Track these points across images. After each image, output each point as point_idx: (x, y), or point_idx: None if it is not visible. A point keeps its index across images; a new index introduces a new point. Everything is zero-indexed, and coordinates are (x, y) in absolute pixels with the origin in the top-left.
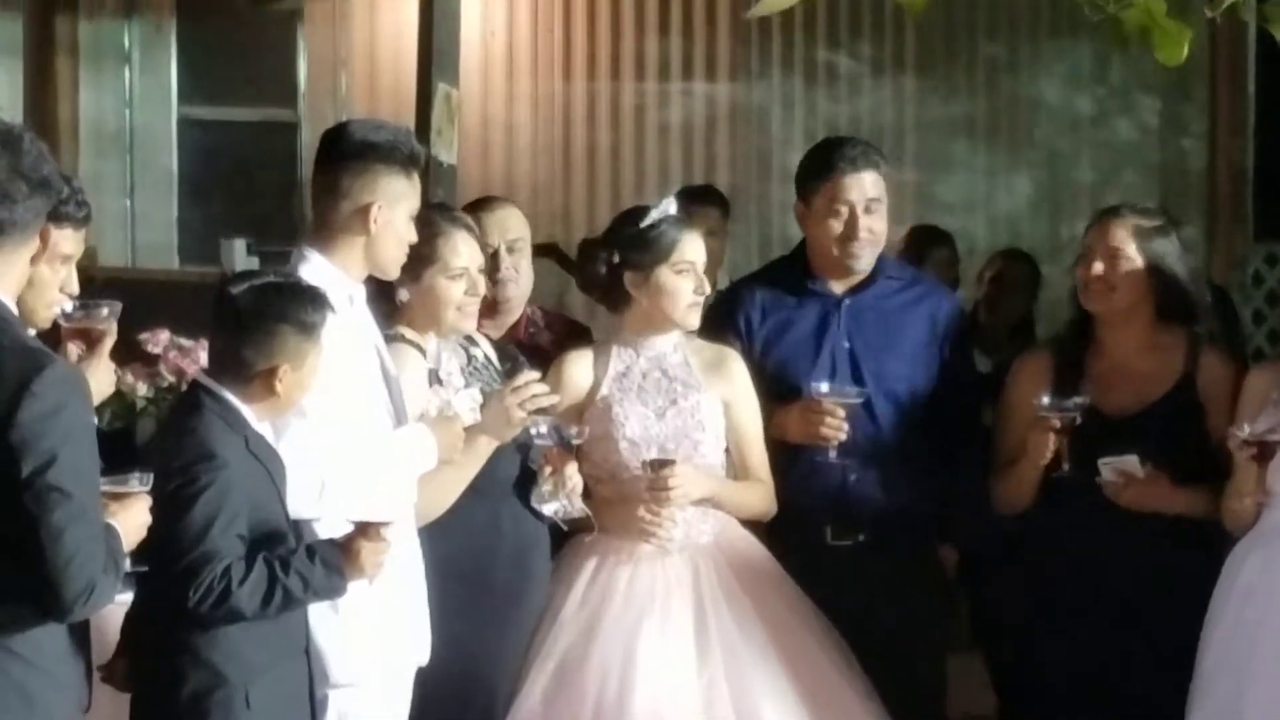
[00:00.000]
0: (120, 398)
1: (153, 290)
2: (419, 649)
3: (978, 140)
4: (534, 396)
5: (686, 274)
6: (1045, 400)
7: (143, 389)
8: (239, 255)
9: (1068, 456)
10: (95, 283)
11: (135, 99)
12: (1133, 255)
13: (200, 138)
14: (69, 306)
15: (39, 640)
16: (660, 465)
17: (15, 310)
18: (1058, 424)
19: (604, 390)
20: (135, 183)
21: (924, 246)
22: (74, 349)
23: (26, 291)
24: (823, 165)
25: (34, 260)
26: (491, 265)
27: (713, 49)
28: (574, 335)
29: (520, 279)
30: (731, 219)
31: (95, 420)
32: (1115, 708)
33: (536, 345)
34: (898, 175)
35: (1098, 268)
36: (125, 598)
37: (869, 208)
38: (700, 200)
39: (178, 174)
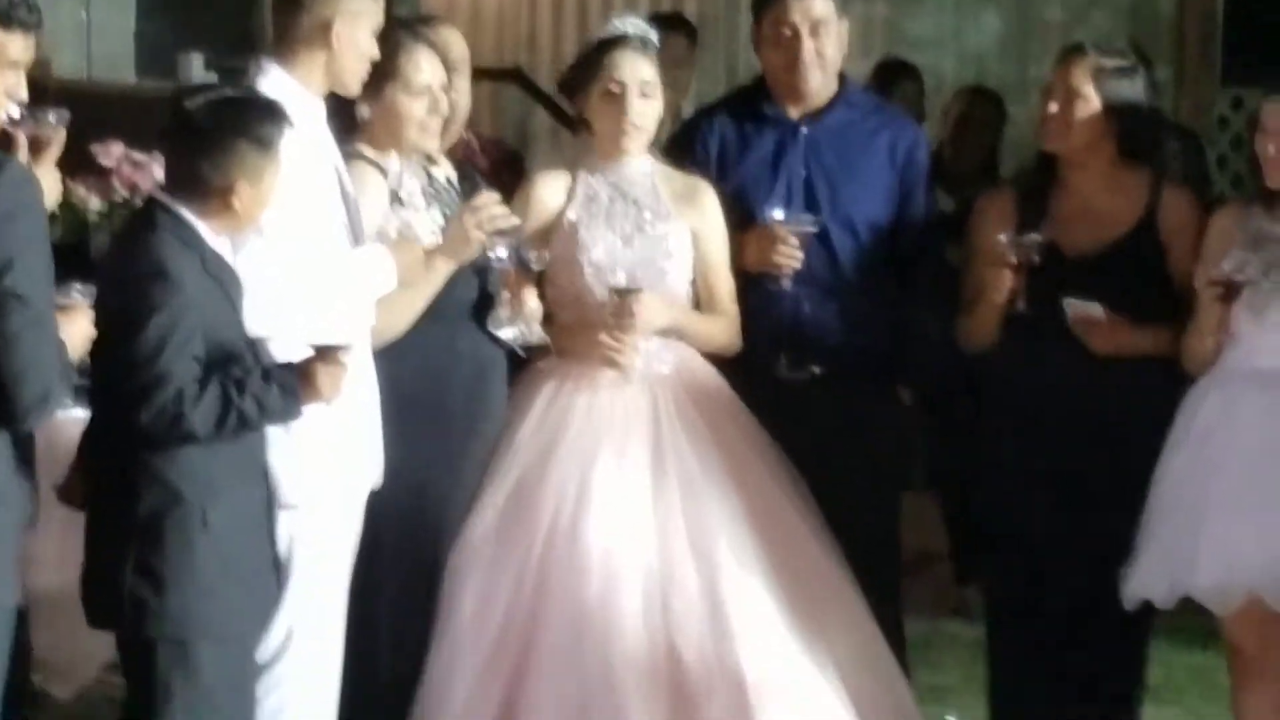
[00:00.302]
0: (71, 210)
1: (108, 103)
2: (372, 472)
3: None
4: (493, 217)
5: (617, 96)
6: (1003, 237)
7: (95, 202)
8: (196, 69)
9: (1024, 294)
10: (49, 94)
11: None
12: (1090, 95)
13: None
14: (16, 113)
15: None
16: (626, 293)
17: None
18: (1014, 260)
19: (571, 214)
20: None
21: (890, 80)
22: (23, 156)
23: None
24: None
25: None
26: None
27: None
28: (509, 161)
29: (459, 101)
30: (700, 48)
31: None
32: (1066, 546)
33: (472, 170)
34: (867, 8)
35: (1053, 107)
36: (78, 414)
37: (814, 30)
38: (667, 28)
39: None
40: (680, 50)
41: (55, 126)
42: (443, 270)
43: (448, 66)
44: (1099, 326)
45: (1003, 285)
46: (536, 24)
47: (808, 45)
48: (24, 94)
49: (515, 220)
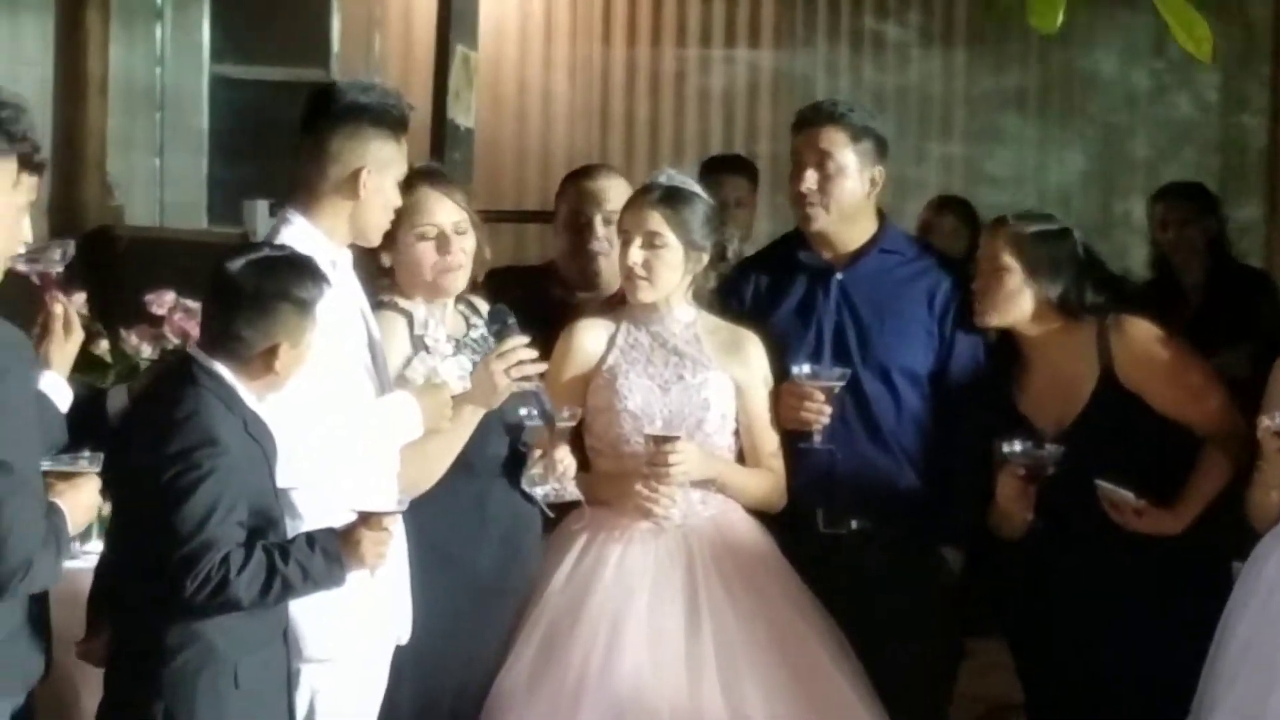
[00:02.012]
0: (125, 359)
1: (180, 250)
2: (398, 627)
3: (1029, 113)
4: (520, 364)
5: (623, 244)
6: (1017, 446)
7: (146, 350)
8: (261, 216)
9: (1031, 506)
10: (121, 242)
11: (167, 56)
12: (1010, 265)
13: (232, 96)
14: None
15: None
16: (663, 440)
17: None
18: (1022, 472)
19: (610, 361)
20: (165, 141)
21: (934, 215)
22: (58, 306)
23: None
24: (794, 123)
25: None
26: (585, 235)
27: (757, 14)
28: None
29: (614, 253)
30: (775, 190)
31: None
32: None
33: (506, 312)
34: (944, 147)
35: (980, 285)
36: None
37: (820, 162)
38: (727, 169)
39: (208, 133)
40: (741, 192)
41: (60, 261)
42: (470, 417)
43: (604, 216)
44: (1133, 514)
45: (1013, 494)
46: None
47: (809, 175)
48: (29, 234)
49: (543, 366)
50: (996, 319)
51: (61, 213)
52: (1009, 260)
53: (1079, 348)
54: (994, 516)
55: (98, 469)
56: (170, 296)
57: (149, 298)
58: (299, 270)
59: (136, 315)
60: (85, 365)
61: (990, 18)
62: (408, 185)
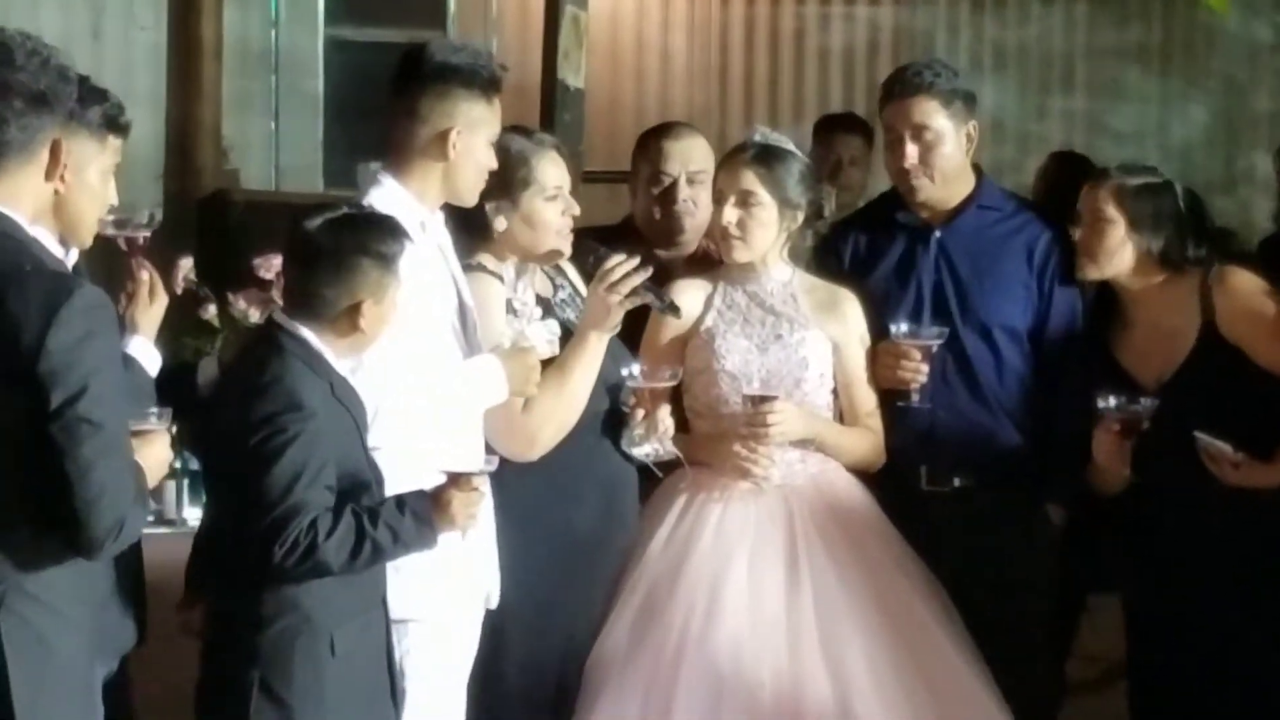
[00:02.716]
0: (233, 323)
1: (295, 214)
2: (486, 592)
3: (1151, 68)
4: (625, 276)
5: (717, 204)
6: (1111, 401)
7: (254, 315)
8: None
9: (1127, 461)
10: (236, 206)
11: (281, 19)
12: (1114, 217)
13: (347, 59)
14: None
15: (52, 580)
16: (760, 400)
17: (45, 233)
18: (1117, 427)
19: (708, 322)
20: (280, 104)
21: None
22: (144, 271)
23: (70, 208)
24: (882, 94)
25: (49, 177)
26: (670, 194)
27: None
28: None
29: (698, 212)
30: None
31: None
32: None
33: (592, 245)
34: (1067, 101)
35: (1082, 238)
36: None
37: (917, 134)
38: (842, 128)
39: (324, 96)
40: (855, 150)
41: (147, 226)
42: (595, 344)
43: (688, 175)
44: (1230, 467)
45: (1109, 450)
46: (727, 126)
47: (910, 150)
48: (114, 198)
49: (648, 270)
50: (1097, 272)
51: (176, 177)
52: (1112, 213)
53: (1180, 301)
54: (1093, 473)
55: (167, 424)
56: (279, 261)
57: (257, 261)
58: (378, 226)
59: (249, 280)
60: (194, 329)
61: None
62: (533, 148)
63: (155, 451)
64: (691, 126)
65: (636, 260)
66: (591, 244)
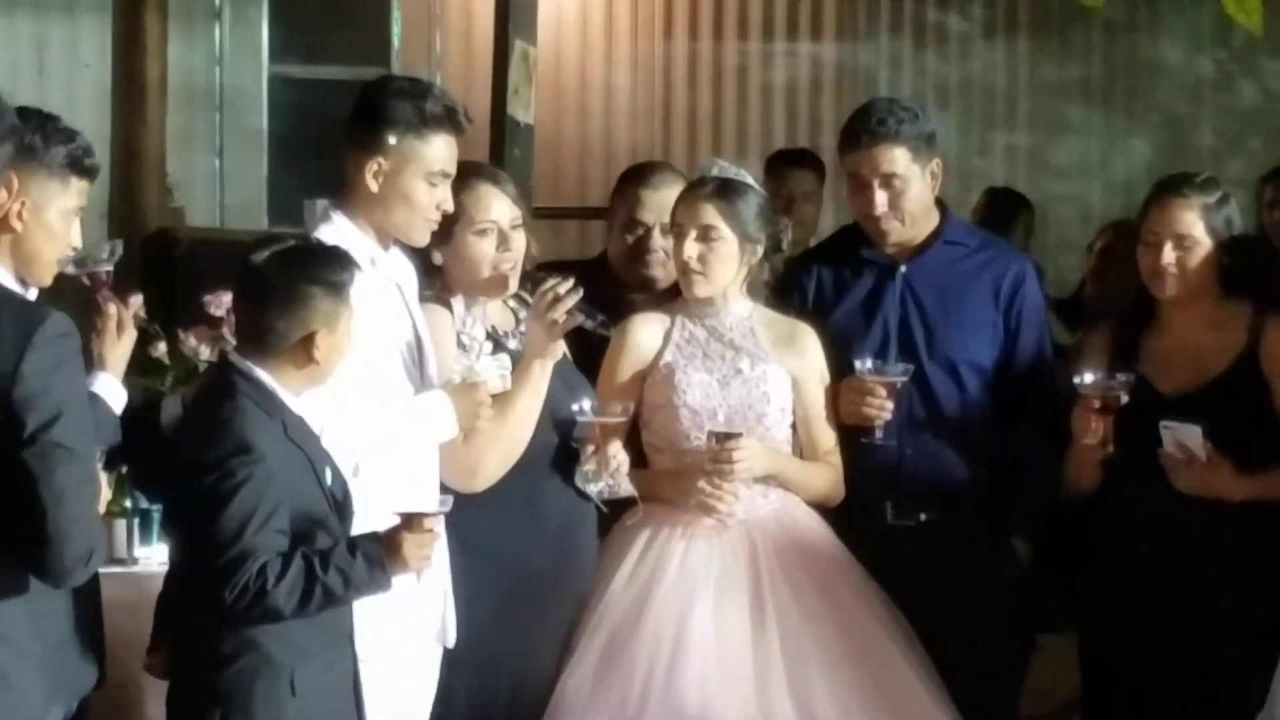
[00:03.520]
0: (184, 361)
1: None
2: (443, 629)
3: (1094, 103)
4: (558, 300)
5: (676, 239)
6: (1088, 379)
7: (205, 352)
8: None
9: (1111, 438)
10: (181, 244)
11: (226, 56)
12: (1202, 238)
13: (291, 96)
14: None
15: (12, 614)
16: (725, 437)
17: (2, 270)
18: (1097, 404)
19: (667, 356)
20: (225, 142)
21: (1007, 211)
22: (111, 306)
23: (26, 246)
24: (844, 138)
25: (6, 213)
26: (643, 243)
27: (818, 8)
28: None
29: (670, 261)
30: (839, 183)
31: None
32: (1193, 693)
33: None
34: (1010, 137)
35: (1169, 255)
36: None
37: (886, 182)
38: (794, 164)
39: (268, 133)
40: (808, 186)
41: (109, 260)
42: (539, 375)
43: (663, 226)
44: (1193, 464)
45: (1088, 429)
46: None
47: (879, 197)
48: (78, 240)
49: (578, 293)
50: (1174, 291)
51: (121, 215)
52: (1201, 233)
53: (1224, 319)
54: (1068, 468)
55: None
56: (229, 297)
57: (207, 299)
58: (326, 256)
59: (195, 317)
60: (143, 367)
61: None
62: (465, 182)
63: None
64: (672, 170)
65: (570, 282)
66: (530, 272)
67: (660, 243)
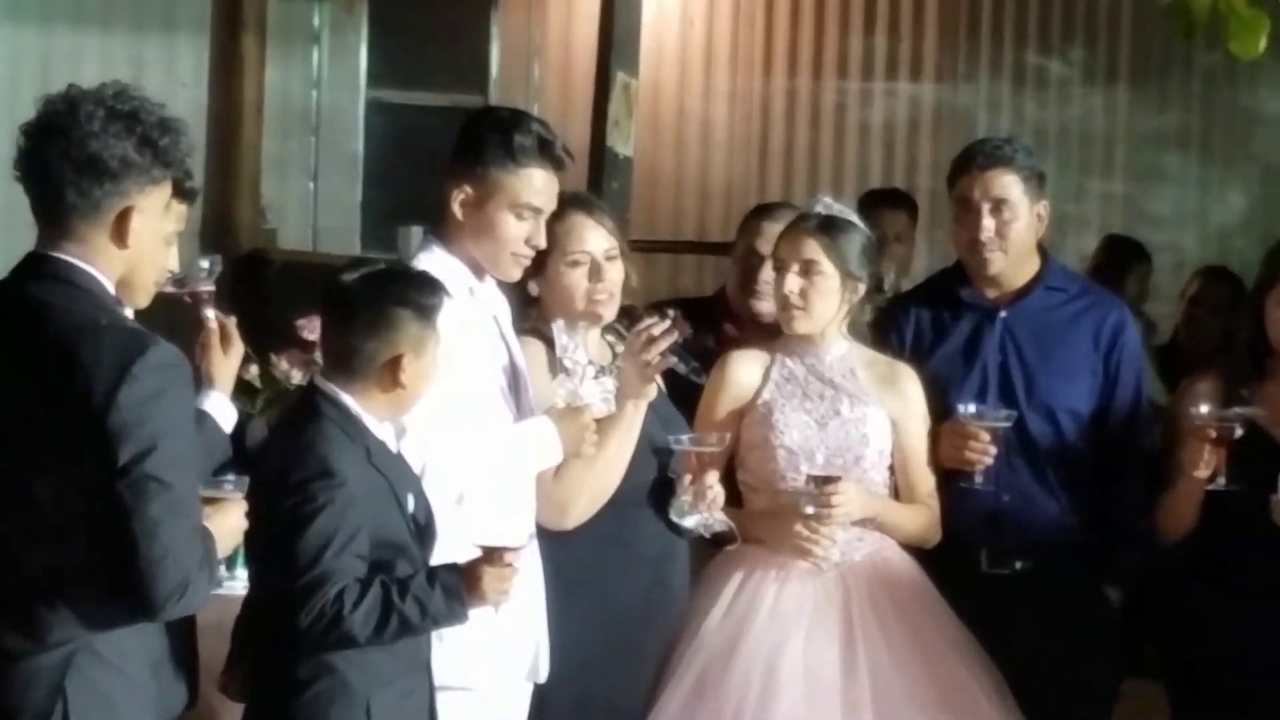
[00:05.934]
0: (275, 384)
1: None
2: (535, 665)
3: (1191, 152)
4: (651, 340)
5: (777, 274)
6: (1204, 409)
7: (296, 375)
8: (415, 242)
9: (1224, 470)
10: (274, 266)
11: (323, 80)
12: None
13: (388, 121)
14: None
15: (120, 641)
16: (825, 481)
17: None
18: (1213, 434)
19: (765, 395)
20: (320, 165)
21: (1122, 259)
22: (214, 321)
23: (133, 271)
24: (956, 165)
25: (116, 242)
26: (753, 275)
27: (919, 49)
28: None
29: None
30: (934, 224)
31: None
32: None
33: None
34: (1105, 185)
35: None
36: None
37: (996, 208)
38: (887, 203)
39: (363, 157)
40: (900, 226)
41: (206, 278)
42: (633, 415)
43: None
44: None
45: (1200, 459)
46: (766, 199)
47: (987, 223)
48: (175, 263)
49: (676, 333)
50: None
51: (214, 236)
52: None
53: None
54: (1170, 506)
55: (243, 493)
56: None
57: (300, 322)
58: (415, 280)
59: (287, 340)
60: (235, 390)
61: (1184, 37)
62: (559, 212)
63: (228, 520)
64: (794, 207)
65: (667, 323)
66: (629, 308)
67: (769, 275)
